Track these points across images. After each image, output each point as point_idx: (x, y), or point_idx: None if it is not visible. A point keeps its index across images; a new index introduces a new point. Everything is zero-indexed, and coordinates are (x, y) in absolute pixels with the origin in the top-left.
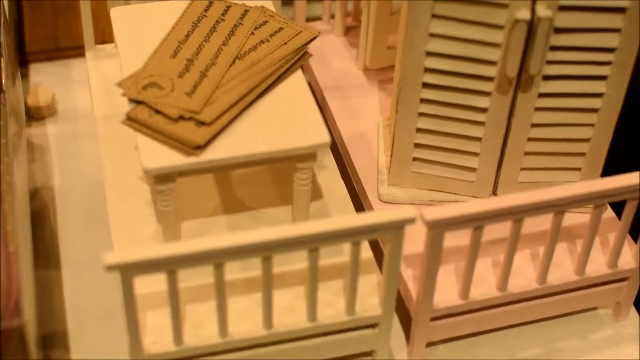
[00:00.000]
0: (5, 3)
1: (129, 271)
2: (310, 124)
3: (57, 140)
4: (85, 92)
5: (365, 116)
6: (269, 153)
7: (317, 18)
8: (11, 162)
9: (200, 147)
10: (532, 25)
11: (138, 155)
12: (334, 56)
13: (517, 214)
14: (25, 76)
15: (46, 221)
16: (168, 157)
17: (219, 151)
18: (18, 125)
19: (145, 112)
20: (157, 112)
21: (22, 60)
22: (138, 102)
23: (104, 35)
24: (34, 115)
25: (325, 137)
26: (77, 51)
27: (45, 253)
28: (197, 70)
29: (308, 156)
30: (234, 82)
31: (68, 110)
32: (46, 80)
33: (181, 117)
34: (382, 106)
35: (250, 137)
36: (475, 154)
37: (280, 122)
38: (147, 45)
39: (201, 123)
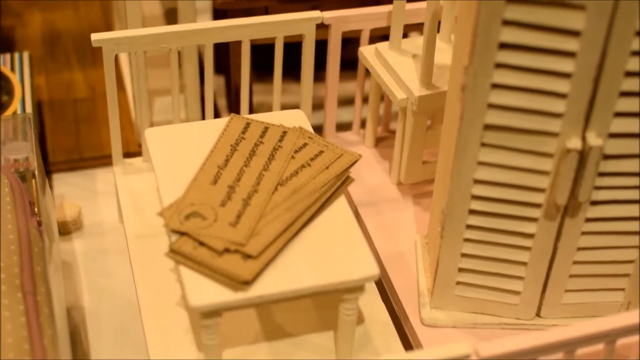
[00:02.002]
0: (29, 111)
1: None
2: (358, 255)
3: (85, 257)
4: (111, 204)
5: (402, 233)
6: (317, 287)
7: (346, 124)
8: (46, 272)
9: (248, 283)
10: (582, 154)
11: (181, 287)
12: (367, 169)
13: (570, 346)
14: (49, 187)
15: (78, 344)
16: (215, 293)
17: (267, 286)
18: (49, 239)
19: (189, 245)
20: (202, 244)
21: (46, 170)
22: (181, 234)
23: (128, 145)
24: (60, 230)
25: (374, 270)
26: (101, 161)
27: None
28: (239, 198)
29: (355, 288)
30: (278, 210)
31: (94, 224)
32: (70, 191)
33: (227, 250)
34: (418, 222)
35: (298, 269)
36: (520, 277)
37: (327, 253)
38: (185, 168)
39: (247, 256)
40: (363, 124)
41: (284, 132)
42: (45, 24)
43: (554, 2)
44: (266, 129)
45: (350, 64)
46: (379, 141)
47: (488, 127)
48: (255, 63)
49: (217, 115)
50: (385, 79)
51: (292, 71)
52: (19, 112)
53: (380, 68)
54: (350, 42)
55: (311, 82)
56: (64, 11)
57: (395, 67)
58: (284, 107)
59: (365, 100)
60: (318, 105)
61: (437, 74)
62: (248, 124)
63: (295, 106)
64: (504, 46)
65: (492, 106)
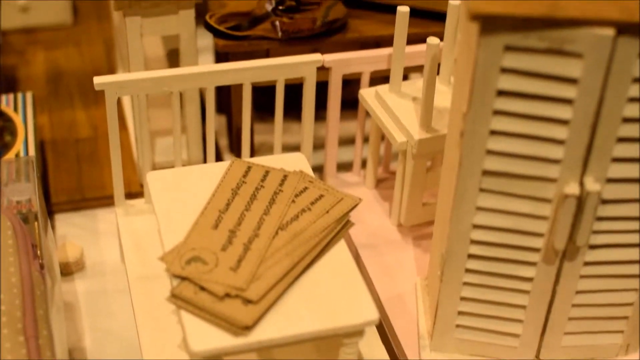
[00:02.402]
0: (32, 153)
1: None
2: (358, 300)
3: (87, 298)
4: (113, 245)
5: (402, 275)
6: (317, 332)
7: (347, 164)
8: (48, 315)
9: (249, 328)
10: (580, 199)
11: (182, 331)
12: (367, 211)
13: None
14: (51, 227)
15: None
16: (216, 339)
17: (267, 331)
18: (52, 280)
19: (190, 290)
20: (202, 288)
21: (48, 210)
22: (182, 278)
23: (130, 185)
24: (62, 270)
25: (374, 315)
26: (103, 201)
27: None
28: (240, 242)
29: (355, 333)
30: (279, 255)
31: (96, 265)
32: (72, 231)
33: (227, 295)
34: (419, 264)
35: (298, 314)
36: (519, 320)
37: (327, 297)
38: (186, 212)
39: (248, 301)
40: (364, 164)
41: (285, 176)
42: (48, 63)
43: (551, 50)
44: (267, 172)
45: (350, 103)
46: (379, 182)
47: (486, 172)
48: (257, 103)
49: (218, 155)
50: (385, 121)
51: (293, 110)
52: (22, 152)
53: (381, 111)
54: (351, 82)
55: (312, 125)
56: (67, 49)
57: (395, 110)
58: (285, 147)
59: (365, 139)
60: (319, 145)
61: (437, 116)
62: (249, 168)
63: (297, 146)
64: (502, 93)
65: (490, 152)
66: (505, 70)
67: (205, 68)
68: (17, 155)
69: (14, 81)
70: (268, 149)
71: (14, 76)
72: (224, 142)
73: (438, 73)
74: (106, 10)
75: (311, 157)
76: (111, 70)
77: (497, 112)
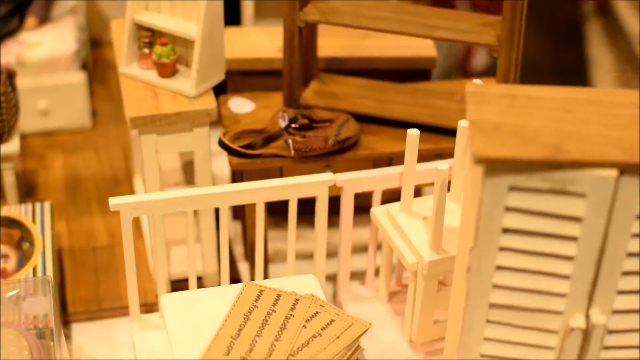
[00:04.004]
0: (49, 264)
1: None
2: None
3: None
4: (128, 356)
5: None
6: None
7: (359, 272)
8: None
9: None
10: (586, 331)
11: None
12: (379, 325)
13: None
14: (67, 337)
15: None
16: None
17: None
18: None
19: None
20: None
21: (65, 320)
22: None
23: (146, 295)
24: None
25: None
26: (119, 311)
27: None
28: None
29: None
30: None
31: None
32: (88, 342)
33: None
34: None
35: None
36: None
37: None
38: (199, 336)
39: None
40: (376, 272)
41: (296, 300)
42: (67, 168)
43: (554, 190)
44: (279, 296)
45: (362, 208)
46: (392, 295)
47: (493, 305)
48: (271, 207)
49: (232, 264)
50: (396, 241)
51: (307, 214)
52: (39, 263)
53: (392, 230)
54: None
55: (324, 244)
56: (86, 154)
57: (406, 229)
58: (299, 254)
59: (378, 246)
60: (332, 253)
61: (448, 236)
62: (261, 292)
63: (310, 254)
64: (507, 231)
65: (496, 287)
66: (510, 209)
67: (219, 189)
68: (34, 270)
69: (33, 187)
70: (282, 257)
71: (34, 181)
72: (239, 250)
73: (448, 190)
74: (124, 114)
75: (324, 281)
76: (129, 176)
77: (503, 249)
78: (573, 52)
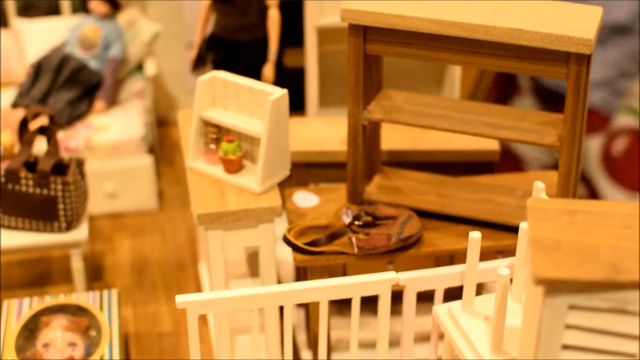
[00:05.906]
0: (116, 353)
1: None
2: None
3: None
4: None
5: None
6: None
7: None
8: None
9: None
10: None
11: None
12: None
13: None
14: None
15: None
16: None
17: None
18: None
19: None
20: None
21: None
22: None
23: None
24: None
25: None
26: None
27: None
28: None
29: None
30: None
31: None
32: None
33: None
34: None
35: None
36: None
37: None
38: None
39: None
40: None
41: None
42: (134, 251)
43: (614, 309)
44: None
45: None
46: None
47: None
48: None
49: (296, 353)
50: (457, 342)
51: (369, 305)
52: (106, 351)
53: (453, 330)
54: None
55: (386, 339)
56: (152, 237)
57: (467, 330)
58: (362, 343)
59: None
60: (394, 341)
61: (509, 337)
62: None
63: (372, 343)
64: (567, 347)
65: None
66: (569, 327)
67: (284, 287)
68: (101, 358)
69: (100, 270)
70: (345, 346)
71: (101, 264)
72: (302, 337)
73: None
74: (189, 198)
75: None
76: (194, 260)
77: None
78: None
